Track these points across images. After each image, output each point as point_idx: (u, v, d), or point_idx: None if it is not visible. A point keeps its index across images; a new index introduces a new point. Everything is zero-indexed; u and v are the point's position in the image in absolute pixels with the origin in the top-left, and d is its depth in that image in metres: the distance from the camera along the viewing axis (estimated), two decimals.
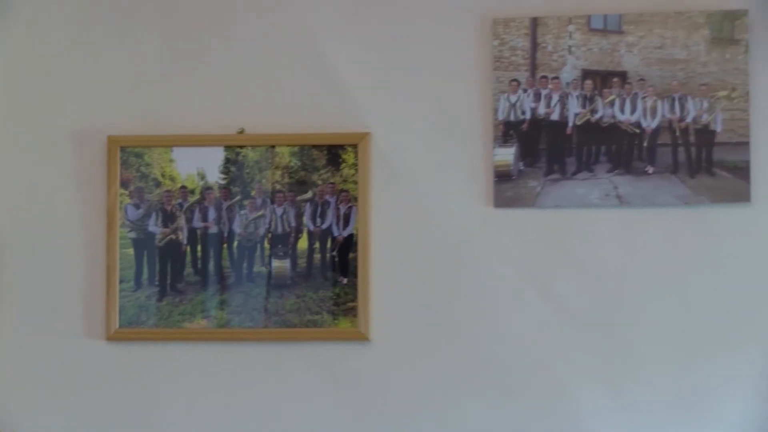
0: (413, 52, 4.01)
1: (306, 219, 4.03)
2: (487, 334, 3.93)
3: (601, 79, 3.93)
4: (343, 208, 4.01)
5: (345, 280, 3.99)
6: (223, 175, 4.07)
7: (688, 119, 3.89)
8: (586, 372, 3.90)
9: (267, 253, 4.03)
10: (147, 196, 4.08)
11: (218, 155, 4.06)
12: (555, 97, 3.94)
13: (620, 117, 3.91)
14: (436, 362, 3.95)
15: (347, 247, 4.00)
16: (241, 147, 4.06)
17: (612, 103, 3.92)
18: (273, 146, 4.05)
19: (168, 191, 4.07)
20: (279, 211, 4.04)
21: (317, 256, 4.02)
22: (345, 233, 4.01)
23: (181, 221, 4.06)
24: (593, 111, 3.92)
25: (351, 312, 3.97)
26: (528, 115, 3.95)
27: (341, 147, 4.01)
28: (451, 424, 3.93)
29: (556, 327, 3.91)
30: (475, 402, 3.92)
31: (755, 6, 3.87)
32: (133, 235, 4.07)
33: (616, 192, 3.90)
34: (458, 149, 3.97)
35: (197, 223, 4.07)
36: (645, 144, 3.90)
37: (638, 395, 3.87)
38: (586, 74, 3.94)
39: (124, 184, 4.08)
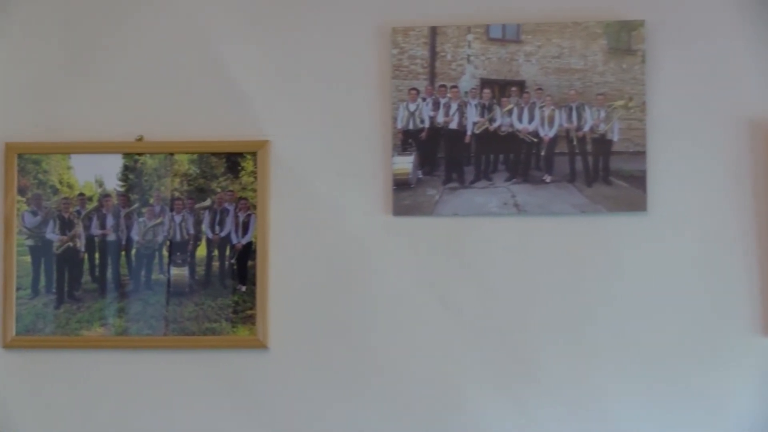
0: (313, 61, 3.94)
1: (205, 227, 3.96)
2: (385, 342, 3.87)
3: (500, 88, 3.88)
4: (242, 216, 3.94)
5: (244, 288, 3.92)
6: (121, 183, 3.98)
7: (586, 128, 3.85)
8: (483, 380, 3.84)
9: (165, 260, 3.95)
10: (45, 203, 3.98)
11: (117, 162, 3.98)
12: (454, 106, 3.89)
13: (518, 126, 3.87)
14: (334, 370, 3.89)
15: (246, 255, 3.93)
16: (140, 154, 3.97)
17: (510, 112, 3.88)
18: (172, 154, 3.96)
19: (66, 198, 3.98)
20: (178, 218, 3.96)
21: (216, 263, 3.95)
22: (244, 241, 3.94)
23: (79, 228, 3.97)
24: (491, 120, 3.88)
25: (249, 320, 3.90)
26: (427, 124, 3.89)
27: (240, 155, 3.93)
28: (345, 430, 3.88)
29: (453, 335, 3.85)
30: (373, 411, 3.86)
31: (652, 16, 3.83)
32: (30, 242, 3.97)
33: (514, 200, 3.85)
34: (357, 157, 3.91)
35: (95, 230, 3.98)
36: (543, 153, 3.86)
37: (535, 404, 3.82)
38: (485, 83, 3.89)
39: (22, 191, 3.98)
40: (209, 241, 3.92)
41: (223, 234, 3.91)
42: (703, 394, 3.76)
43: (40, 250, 3.94)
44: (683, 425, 3.76)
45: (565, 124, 3.82)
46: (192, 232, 3.91)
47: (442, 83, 3.86)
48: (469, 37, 3.84)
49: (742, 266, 3.75)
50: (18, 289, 3.92)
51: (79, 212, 3.94)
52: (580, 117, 3.81)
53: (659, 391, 3.77)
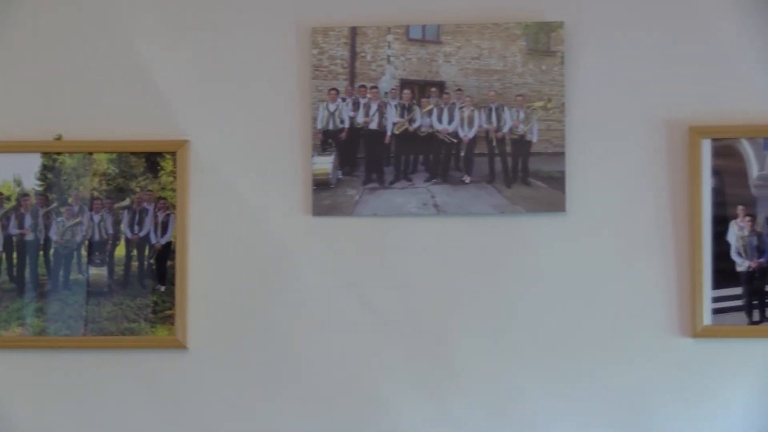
0: (233, 61, 3.88)
1: (124, 226, 3.89)
2: (305, 342, 3.82)
3: (420, 88, 3.84)
4: (161, 216, 3.88)
5: (163, 288, 3.86)
6: (39, 182, 3.91)
7: (505, 129, 3.82)
8: (403, 380, 3.79)
9: (84, 260, 3.88)
10: None
11: (35, 162, 3.90)
12: (373, 107, 3.84)
13: (438, 126, 3.83)
14: (254, 370, 3.83)
15: (165, 255, 3.87)
16: (59, 153, 3.90)
17: (430, 113, 3.84)
18: (91, 153, 3.89)
19: None
20: (96, 218, 3.89)
21: (135, 263, 3.88)
22: (163, 241, 3.88)
23: None
24: (411, 120, 3.84)
25: (168, 320, 3.84)
26: (347, 124, 3.85)
27: (160, 154, 3.87)
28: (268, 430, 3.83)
29: (373, 334, 3.81)
30: (293, 411, 3.80)
31: (571, 18, 3.79)
32: None
33: (434, 201, 3.82)
34: (277, 157, 3.85)
35: (13, 230, 3.90)
36: (462, 153, 3.82)
37: (454, 403, 3.77)
38: (405, 84, 3.85)
39: None
40: (128, 241, 3.86)
41: (142, 234, 3.85)
42: (621, 394, 3.73)
43: None
44: (601, 425, 3.73)
45: (485, 125, 3.78)
46: (111, 231, 3.85)
47: (361, 84, 3.81)
48: (389, 37, 3.80)
49: (659, 266, 3.73)
50: None
51: None
52: (499, 118, 3.78)
53: (577, 391, 3.74)
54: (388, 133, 3.78)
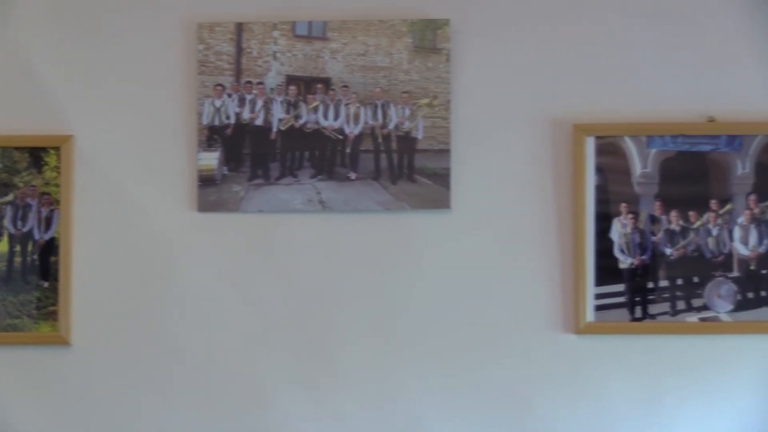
0: (118, 56, 3.80)
1: (7, 222, 3.80)
2: (189, 338, 3.75)
3: (305, 85, 3.79)
4: (44, 212, 3.79)
5: (46, 284, 3.78)
6: None
7: (390, 126, 3.77)
8: (288, 376, 3.72)
9: None
10: None
11: None
12: (259, 103, 3.79)
13: (324, 123, 3.78)
14: (138, 367, 3.75)
15: (49, 251, 3.79)
16: None
17: (316, 109, 3.78)
18: None
19: None
20: None
21: (18, 259, 3.80)
22: (47, 236, 3.79)
23: None
24: (297, 117, 3.78)
25: (52, 316, 3.76)
26: (232, 120, 3.78)
27: (44, 149, 3.79)
28: (152, 429, 3.77)
29: (258, 331, 3.74)
30: (177, 407, 3.73)
31: (456, 15, 3.75)
32: None
33: (319, 197, 3.77)
34: (162, 153, 3.78)
35: None
36: (348, 150, 3.77)
37: (338, 400, 3.72)
38: (291, 80, 3.79)
39: None
40: (11, 237, 3.78)
41: (25, 229, 3.77)
42: (505, 390, 3.69)
43: None
44: (485, 421, 3.69)
45: (371, 122, 3.74)
46: None
47: (247, 80, 3.76)
48: (275, 33, 3.75)
49: (542, 263, 3.70)
50: None
51: None
52: (385, 115, 3.74)
53: (460, 387, 3.69)
54: (274, 129, 3.72)
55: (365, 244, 3.68)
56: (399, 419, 3.65)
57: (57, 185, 3.72)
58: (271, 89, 3.69)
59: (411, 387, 3.66)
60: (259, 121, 3.70)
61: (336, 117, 3.68)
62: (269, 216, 3.69)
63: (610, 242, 3.63)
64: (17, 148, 3.75)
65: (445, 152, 3.65)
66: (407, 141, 3.67)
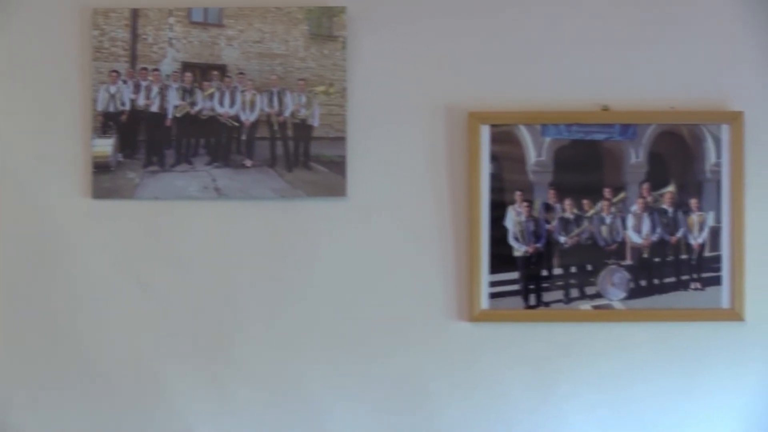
0: (12, 41, 3.72)
1: None
2: (85, 326, 3.68)
3: (201, 71, 3.74)
4: None
5: None
6: None
7: (286, 113, 3.73)
8: (184, 364, 3.69)
9: None
10: None
11: None
12: (155, 89, 3.74)
13: (219, 110, 3.73)
14: (34, 356, 3.70)
15: None
16: None
17: (211, 96, 3.74)
18: None
19: None
20: None
21: None
22: None
23: None
24: (193, 103, 3.74)
25: None
26: (127, 107, 3.73)
27: None
28: (53, 422, 3.71)
29: (154, 319, 3.69)
30: (74, 395, 3.69)
31: (353, 3, 3.70)
32: None
33: (215, 184, 3.73)
34: (56, 139, 3.71)
35: None
36: (243, 137, 3.73)
37: (234, 387, 3.69)
38: (186, 66, 3.75)
39: None
40: None
41: None
42: (401, 378, 3.67)
43: None
44: (382, 408, 3.67)
45: (267, 109, 3.70)
46: None
47: (143, 66, 3.71)
48: (171, 20, 3.70)
49: (438, 251, 3.68)
50: None
51: None
52: (281, 102, 3.70)
53: (357, 375, 3.67)
54: (169, 116, 3.68)
55: (261, 231, 3.65)
56: (296, 407, 3.63)
57: None
58: (167, 76, 3.65)
59: (307, 375, 3.64)
60: (154, 108, 3.65)
61: (232, 104, 3.65)
62: (164, 203, 3.65)
63: (505, 230, 3.62)
64: None
65: (340, 140, 3.62)
66: (303, 128, 3.64)
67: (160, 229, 3.65)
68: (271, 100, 3.64)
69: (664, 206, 3.62)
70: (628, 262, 3.62)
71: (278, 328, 3.64)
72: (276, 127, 3.64)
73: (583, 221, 3.62)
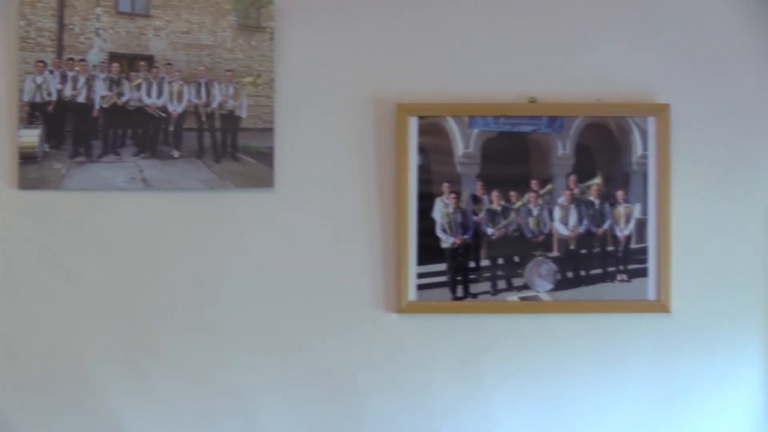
0: None
1: None
2: (12, 318, 3.64)
3: (128, 62, 3.71)
4: None
5: None
6: None
7: (214, 104, 3.71)
8: (110, 356, 3.65)
9: None
10: None
11: None
12: (81, 79, 3.70)
13: (147, 101, 3.70)
14: None
15: None
16: None
17: (139, 87, 3.71)
18: None
19: None
20: None
21: None
22: None
23: None
24: (120, 94, 3.71)
25: None
26: (54, 97, 3.70)
27: None
28: None
29: (80, 310, 3.64)
30: (2, 390, 3.69)
31: None
32: None
33: (142, 175, 3.70)
34: None
35: None
36: (171, 128, 3.71)
37: (159, 377, 3.65)
38: (114, 57, 3.71)
39: None
40: None
41: None
42: (329, 369, 3.65)
43: None
44: (309, 399, 3.65)
45: (194, 100, 3.67)
46: None
47: (70, 56, 3.67)
48: (98, 10, 3.66)
49: (366, 242, 3.65)
50: None
51: None
52: (208, 93, 3.67)
53: (284, 366, 3.65)
54: (96, 107, 3.65)
55: (188, 222, 3.62)
56: (222, 398, 3.61)
57: None
58: (94, 66, 3.62)
59: (234, 366, 3.62)
60: (81, 99, 3.62)
61: (159, 95, 3.62)
62: (91, 194, 3.62)
63: (433, 222, 3.61)
64: None
65: (268, 131, 3.60)
66: (231, 119, 3.61)
67: (86, 220, 3.62)
68: (198, 91, 3.61)
69: (591, 198, 3.61)
70: (555, 253, 3.62)
71: (205, 320, 3.61)
72: (204, 118, 3.61)
73: (510, 213, 3.61)
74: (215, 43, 3.59)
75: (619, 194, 3.58)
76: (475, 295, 3.59)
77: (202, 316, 3.60)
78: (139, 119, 3.60)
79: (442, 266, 3.59)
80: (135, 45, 3.60)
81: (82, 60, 3.60)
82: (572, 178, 3.58)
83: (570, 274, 3.59)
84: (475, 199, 3.59)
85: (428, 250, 3.59)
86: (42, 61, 3.59)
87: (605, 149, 3.58)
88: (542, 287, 3.59)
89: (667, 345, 3.61)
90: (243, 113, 3.58)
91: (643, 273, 3.58)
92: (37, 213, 3.61)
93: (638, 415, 3.60)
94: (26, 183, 3.58)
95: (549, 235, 3.60)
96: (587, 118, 3.58)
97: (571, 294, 3.59)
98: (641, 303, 3.58)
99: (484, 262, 3.60)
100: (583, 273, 3.60)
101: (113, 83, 3.60)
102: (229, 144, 3.59)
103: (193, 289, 3.60)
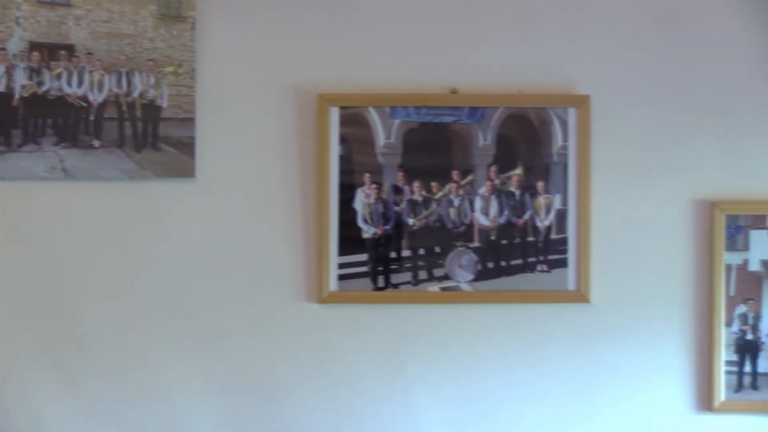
0: None
1: None
2: None
3: (49, 51, 3.67)
4: None
5: None
6: None
7: (135, 94, 3.67)
8: (29, 347, 3.62)
9: None
10: None
11: None
12: (1, 69, 3.65)
13: (67, 90, 3.67)
14: None
15: None
16: None
17: (59, 76, 3.67)
18: None
19: None
20: None
21: None
22: None
23: None
24: (40, 83, 3.67)
25: None
26: None
27: None
28: None
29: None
30: None
31: None
32: None
33: (62, 165, 3.66)
34: None
35: None
36: (92, 118, 3.67)
37: (80, 369, 3.63)
38: (34, 46, 3.67)
39: None
40: None
41: None
42: (250, 359, 3.63)
43: None
44: (230, 389, 3.63)
45: (115, 90, 3.64)
46: None
47: None
48: None
49: (287, 233, 3.63)
50: None
51: None
52: (129, 82, 3.64)
53: (206, 356, 3.63)
54: (16, 96, 3.61)
55: (109, 212, 3.60)
56: (142, 388, 3.58)
57: None
58: (14, 55, 3.59)
59: (154, 356, 3.59)
60: (1, 88, 3.59)
61: (80, 84, 3.59)
62: (11, 184, 3.59)
63: (354, 212, 3.59)
64: None
65: (190, 121, 3.58)
66: (152, 109, 3.59)
67: (6, 209, 3.59)
68: (119, 81, 3.59)
69: (512, 189, 3.60)
70: (476, 244, 3.61)
71: (125, 310, 3.59)
72: (124, 108, 3.59)
73: (431, 203, 3.60)
74: (136, 33, 3.57)
75: (540, 185, 3.57)
76: (396, 286, 3.58)
77: (121, 307, 3.58)
78: (59, 109, 3.57)
79: (363, 257, 3.58)
80: (55, 34, 3.56)
81: (2, 49, 3.58)
82: (493, 168, 3.58)
83: (491, 265, 3.59)
84: (397, 190, 3.57)
85: (349, 240, 3.57)
86: None
87: (526, 140, 3.58)
88: (463, 278, 3.59)
89: (586, 335, 3.61)
90: (164, 103, 3.56)
91: (563, 263, 3.58)
92: None
93: (559, 404, 3.60)
94: None
95: (470, 226, 3.59)
96: (508, 109, 3.57)
97: (492, 284, 3.58)
98: (561, 293, 3.57)
99: (405, 253, 3.58)
100: (503, 263, 3.59)
101: (33, 72, 3.56)
102: (150, 134, 3.56)
103: (114, 279, 3.57)
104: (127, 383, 3.58)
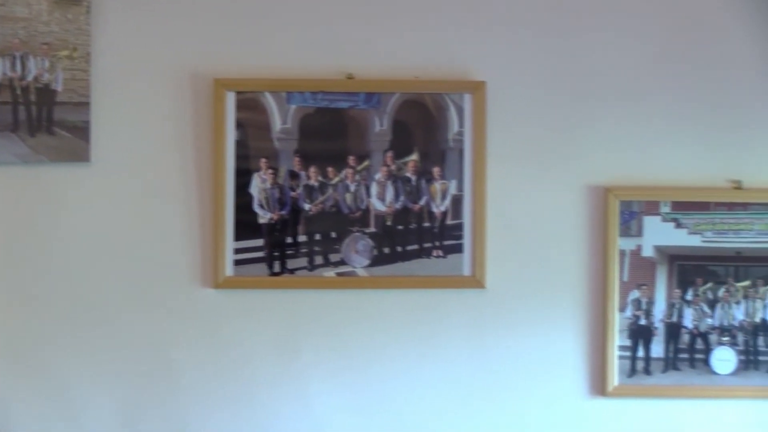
0: None
1: None
2: None
3: None
4: None
5: None
6: None
7: (29, 78, 3.63)
8: None
9: None
10: None
11: None
12: None
13: None
14: None
15: None
16: None
17: None
18: None
19: None
20: None
21: None
22: None
23: None
24: None
25: None
26: None
27: None
28: None
29: None
30: None
31: None
32: None
33: None
34: None
35: None
36: None
37: None
38: None
39: None
40: None
41: None
42: (144, 344, 3.60)
43: None
44: (125, 376, 3.62)
45: (9, 73, 3.59)
46: None
47: None
48: None
49: (182, 218, 3.59)
50: None
51: None
52: (23, 66, 3.60)
53: (100, 341, 3.60)
54: None
55: (2, 197, 3.56)
56: (35, 374, 3.56)
57: None
58: None
59: (48, 342, 3.56)
60: None
61: None
62: None
63: (250, 197, 3.57)
64: None
65: (85, 105, 3.54)
66: (46, 93, 3.55)
67: None
68: (13, 64, 3.55)
69: (408, 174, 3.59)
70: (372, 229, 3.60)
71: (19, 295, 3.55)
72: (18, 92, 3.55)
73: (327, 189, 3.59)
74: (30, 16, 3.53)
75: (436, 170, 3.56)
76: (292, 271, 3.56)
77: (15, 292, 3.54)
78: None
79: (259, 242, 3.56)
80: None
81: None
82: (389, 154, 3.56)
83: (387, 250, 3.58)
84: (293, 175, 3.55)
85: (245, 225, 3.55)
86: None
87: (422, 126, 3.57)
88: (359, 263, 3.57)
89: (482, 320, 3.60)
90: (59, 87, 3.52)
91: (458, 249, 3.57)
92: None
93: (455, 390, 3.59)
94: None
95: (366, 211, 3.57)
96: (404, 94, 3.56)
97: (388, 270, 3.57)
98: (456, 279, 3.56)
99: (302, 238, 3.57)
100: (399, 249, 3.58)
101: None
102: (44, 118, 3.53)
103: (7, 263, 3.53)
104: (22, 370, 3.53)
